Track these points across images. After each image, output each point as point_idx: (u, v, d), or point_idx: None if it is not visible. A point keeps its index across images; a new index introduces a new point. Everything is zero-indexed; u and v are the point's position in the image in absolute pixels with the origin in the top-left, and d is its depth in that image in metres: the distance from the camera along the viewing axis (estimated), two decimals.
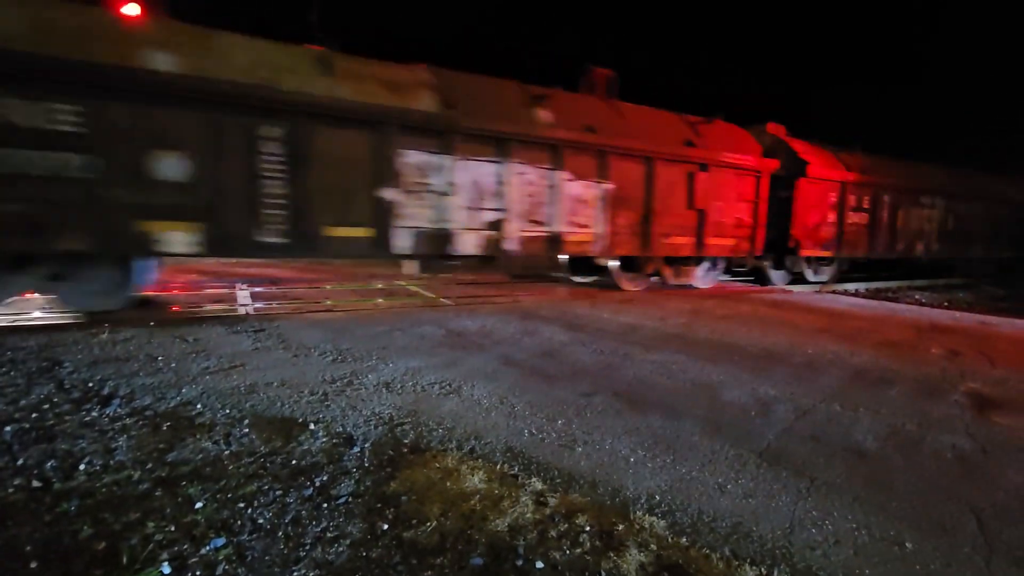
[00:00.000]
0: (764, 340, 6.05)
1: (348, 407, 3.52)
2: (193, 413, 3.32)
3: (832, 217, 11.86)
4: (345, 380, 4.07)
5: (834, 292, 11.50)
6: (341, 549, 2.07)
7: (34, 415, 3.18)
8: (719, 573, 2.04)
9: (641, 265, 9.84)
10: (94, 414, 3.23)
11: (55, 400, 3.43)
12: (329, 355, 4.76)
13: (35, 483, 2.43)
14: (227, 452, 2.81)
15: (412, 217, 7.12)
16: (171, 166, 5.75)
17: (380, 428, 3.21)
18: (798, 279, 12.19)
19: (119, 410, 3.31)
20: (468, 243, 7.59)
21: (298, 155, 6.34)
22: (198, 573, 1.90)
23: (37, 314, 6.19)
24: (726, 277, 12.23)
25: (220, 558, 1.98)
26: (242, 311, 6.90)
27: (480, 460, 2.85)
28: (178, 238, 5.88)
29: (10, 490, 2.37)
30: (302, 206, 6.41)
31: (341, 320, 6.46)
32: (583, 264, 10.24)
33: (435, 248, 7.41)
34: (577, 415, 3.55)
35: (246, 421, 3.21)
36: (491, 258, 8.04)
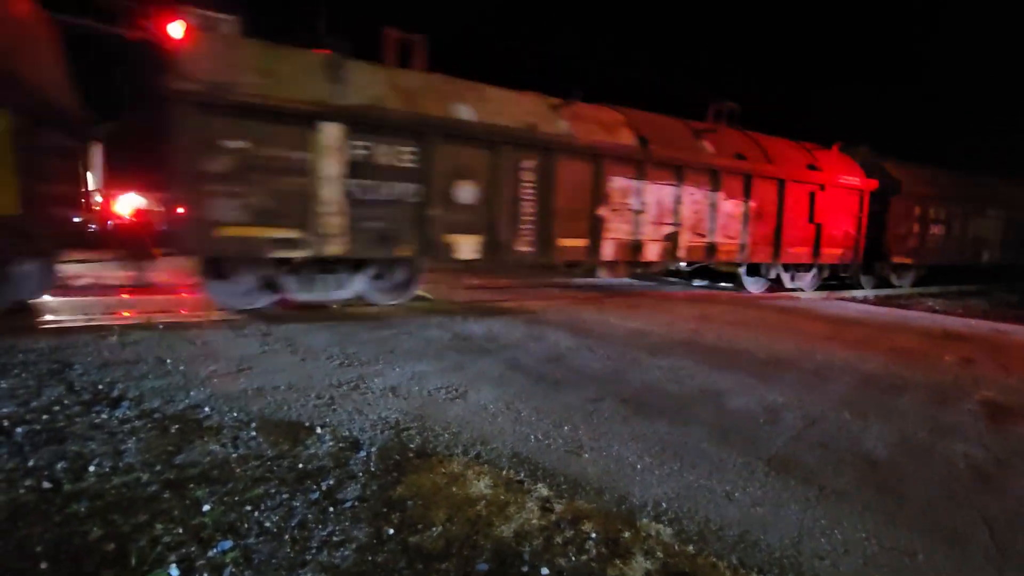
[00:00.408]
0: (772, 346, 6.01)
1: (355, 411, 3.53)
2: (201, 416, 3.34)
3: (916, 228, 13.47)
4: (352, 384, 4.08)
5: (841, 299, 11.43)
6: (347, 553, 2.07)
7: (45, 417, 3.21)
8: None
9: (763, 271, 11.44)
10: (104, 416, 3.26)
11: (65, 402, 3.46)
12: (336, 359, 4.77)
13: (46, 484, 2.46)
14: (234, 455, 2.83)
15: (615, 231, 8.86)
16: (466, 192, 7.48)
17: (386, 432, 3.21)
18: (883, 283, 13.52)
19: (128, 412, 3.34)
20: (652, 252, 9.34)
21: (545, 181, 8.04)
22: (205, 575, 1.91)
23: (47, 317, 6.26)
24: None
25: (227, 560, 1.99)
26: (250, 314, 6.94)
27: (486, 465, 2.85)
28: (467, 247, 7.61)
29: (21, 491, 2.40)
30: (546, 221, 8.13)
31: (348, 324, 6.49)
32: (702, 270, 12.09)
33: (629, 256, 9.11)
34: (584, 421, 3.54)
35: (253, 424, 3.23)
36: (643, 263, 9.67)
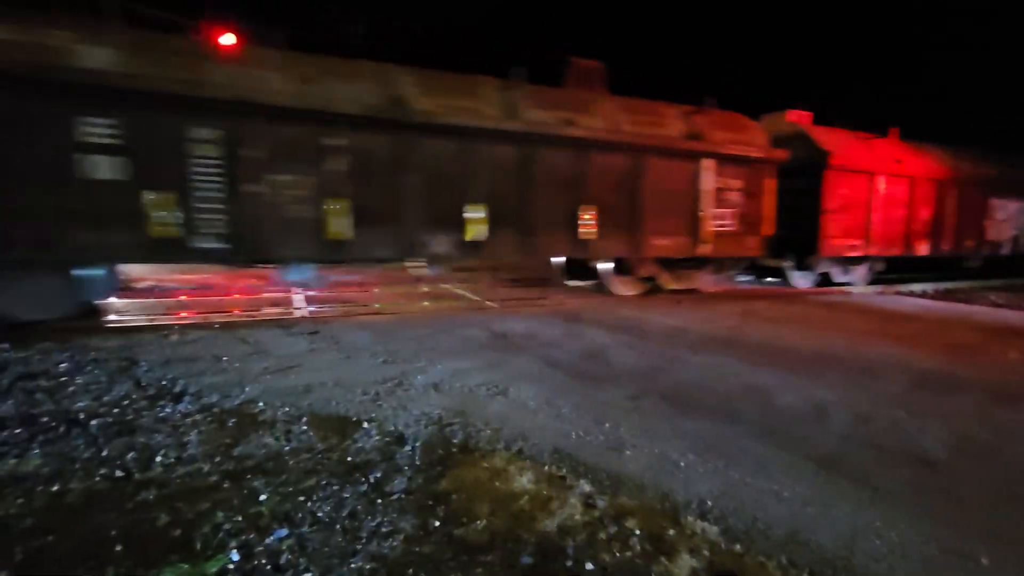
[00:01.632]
0: (818, 343, 5.80)
1: (399, 407, 3.63)
2: (256, 410, 3.50)
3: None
4: (395, 381, 4.19)
5: (898, 293, 10.89)
6: (395, 543, 2.14)
7: (115, 410, 3.44)
8: None
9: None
10: (167, 410, 3.47)
11: (133, 397, 3.70)
12: (379, 356, 4.90)
13: (118, 473, 2.64)
14: (287, 448, 2.96)
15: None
16: None
17: (430, 428, 3.29)
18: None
19: (189, 407, 3.53)
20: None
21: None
22: (264, 561, 2.02)
23: (113, 317, 6.67)
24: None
25: (283, 548, 2.09)
26: (297, 314, 7.21)
27: (528, 461, 2.88)
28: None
29: (96, 479, 2.58)
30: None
31: (390, 323, 6.65)
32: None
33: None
34: (624, 418, 3.53)
35: (304, 419, 3.37)
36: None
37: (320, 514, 2.33)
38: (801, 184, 10.39)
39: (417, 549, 2.11)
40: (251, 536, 2.16)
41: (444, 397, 3.85)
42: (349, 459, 2.85)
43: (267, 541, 2.13)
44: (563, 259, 9.75)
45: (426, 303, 8.52)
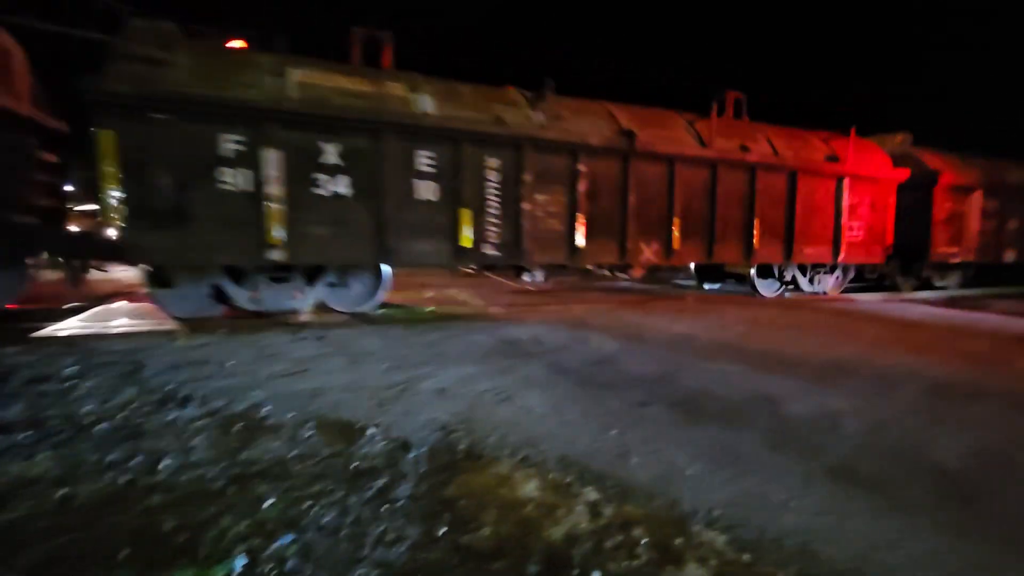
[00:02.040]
0: (829, 351, 5.75)
1: (405, 412, 3.62)
2: (262, 415, 3.50)
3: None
4: (401, 386, 4.18)
5: (903, 301, 10.81)
6: (401, 550, 2.12)
7: (122, 414, 3.45)
8: None
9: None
10: (174, 415, 3.47)
11: (140, 401, 3.71)
12: (386, 362, 4.90)
13: (125, 477, 2.64)
14: (293, 453, 2.95)
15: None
16: None
17: (436, 434, 3.27)
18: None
19: (196, 411, 3.54)
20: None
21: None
22: (270, 567, 2.01)
23: (122, 321, 6.72)
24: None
25: (289, 554, 2.08)
26: (304, 319, 7.22)
27: (534, 468, 2.86)
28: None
29: (104, 483, 2.58)
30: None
31: (396, 328, 6.65)
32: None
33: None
34: (631, 425, 3.50)
35: (310, 424, 3.36)
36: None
37: (326, 520, 2.31)
38: (909, 199, 11.78)
39: (423, 556, 2.10)
40: (257, 541, 2.15)
41: (450, 403, 3.84)
42: (355, 465, 2.84)
43: (273, 547, 2.12)
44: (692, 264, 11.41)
45: (433, 308, 8.52)
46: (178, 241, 5.98)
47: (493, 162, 7.56)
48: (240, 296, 6.83)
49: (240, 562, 2.02)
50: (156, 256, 6.07)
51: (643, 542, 2.21)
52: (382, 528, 2.27)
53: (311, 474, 2.72)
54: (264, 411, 3.57)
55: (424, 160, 7.15)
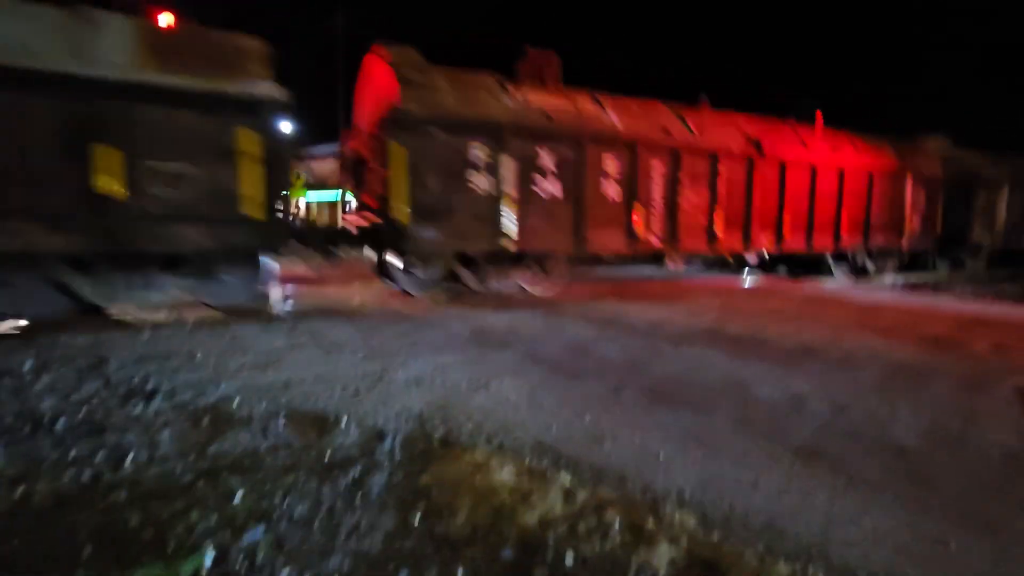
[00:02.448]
0: (798, 335, 5.91)
1: (379, 402, 3.59)
2: (232, 408, 3.43)
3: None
4: (376, 376, 4.15)
5: (870, 286, 11.18)
6: (375, 540, 2.12)
7: (84, 409, 3.34)
8: (752, 569, 2.01)
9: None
10: (139, 408, 3.38)
11: (103, 395, 3.59)
12: (360, 352, 4.85)
13: (87, 473, 2.56)
14: (264, 445, 2.90)
15: None
16: None
17: (411, 423, 3.26)
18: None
19: (163, 404, 3.45)
20: None
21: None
22: (240, 561, 1.98)
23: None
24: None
25: (260, 547, 2.05)
26: (276, 309, 7.08)
27: (509, 454, 2.87)
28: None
29: (65, 480, 2.50)
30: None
31: (371, 318, 6.58)
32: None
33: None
34: (605, 410, 3.54)
35: (282, 415, 3.31)
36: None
37: (298, 512, 2.29)
38: (953, 193, 13.72)
39: (398, 545, 2.09)
40: (227, 535, 2.11)
41: (425, 392, 3.82)
42: (328, 456, 2.81)
43: (243, 540, 2.09)
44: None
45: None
46: (441, 231, 7.45)
47: (659, 166, 9.23)
48: (470, 279, 8.22)
49: (209, 556, 1.99)
50: (426, 244, 7.45)
51: (616, 524, 2.25)
52: (356, 518, 2.25)
53: (283, 466, 2.68)
54: (234, 403, 3.50)
55: (609, 164, 8.78)
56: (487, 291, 8.28)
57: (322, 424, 3.21)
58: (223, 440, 2.95)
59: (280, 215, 6.65)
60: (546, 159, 8.20)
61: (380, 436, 3.06)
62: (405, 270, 8.03)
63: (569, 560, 2.02)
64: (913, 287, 11.59)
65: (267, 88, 6.13)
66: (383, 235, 7.94)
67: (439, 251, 7.70)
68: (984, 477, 2.78)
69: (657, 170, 9.23)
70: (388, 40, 7.93)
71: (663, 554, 2.07)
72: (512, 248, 8.03)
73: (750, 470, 2.77)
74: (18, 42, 5.15)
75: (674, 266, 10.78)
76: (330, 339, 5.30)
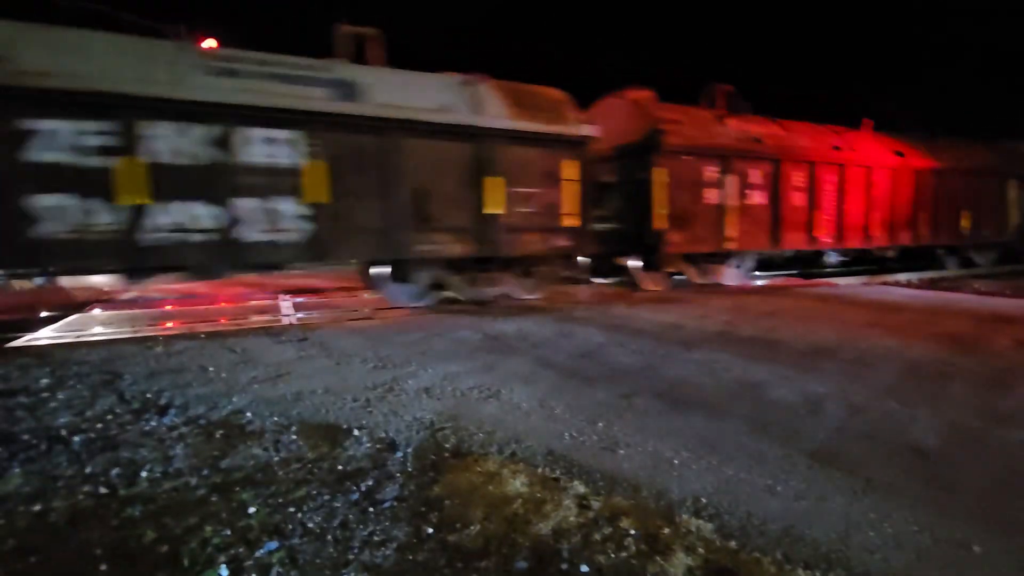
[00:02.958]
0: (811, 336, 5.84)
1: (390, 412, 3.59)
2: (244, 421, 3.44)
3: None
4: (386, 386, 4.15)
5: (884, 283, 11.04)
6: (388, 552, 2.11)
7: (99, 425, 3.37)
8: None
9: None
10: (153, 423, 3.40)
11: (117, 411, 3.62)
12: (370, 362, 4.86)
13: (102, 489, 2.58)
14: (277, 458, 2.91)
15: None
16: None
17: (422, 433, 3.25)
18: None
19: (175, 419, 3.47)
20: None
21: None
22: (254, 574, 1.97)
23: (98, 329, 6.56)
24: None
25: (274, 561, 2.05)
26: (286, 321, 7.13)
27: (521, 464, 2.86)
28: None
29: (80, 496, 2.52)
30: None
31: (380, 327, 6.60)
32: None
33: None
34: (618, 417, 3.51)
35: (293, 428, 3.32)
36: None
37: (311, 525, 2.29)
38: (985, 188, 14.35)
39: (411, 557, 2.08)
40: (240, 550, 2.11)
41: (436, 401, 3.82)
42: (340, 468, 2.81)
43: (257, 554, 2.09)
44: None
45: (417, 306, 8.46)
46: (684, 237, 9.54)
47: (830, 178, 11.08)
48: (694, 274, 10.14)
49: (223, 571, 1.99)
50: (675, 247, 9.53)
51: (631, 533, 2.22)
52: (369, 530, 2.25)
53: (295, 479, 2.68)
54: (246, 417, 3.51)
55: (796, 177, 10.63)
56: (705, 283, 10.22)
57: (333, 436, 3.21)
58: (236, 454, 2.96)
59: (589, 225, 8.57)
60: (754, 175, 10.23)
61: (392, 447, 3.05)
62: (645, 269, 10.01)
63: (584, 570, 2.00)
64: None
65: (584, 128, 8.21)
66: (627, 242, 9.95)
67: (679, 252, 9.72)
68: (1007, 479, 2.72)
69: (829, 181, 11.03)
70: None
71: (679, 563, 2.04)
72: (734, 247, 10.11)
73: (766, 475, 2.73)
74: (438, 104, 7.17)
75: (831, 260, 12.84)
76: (339, 350, 5.32)
